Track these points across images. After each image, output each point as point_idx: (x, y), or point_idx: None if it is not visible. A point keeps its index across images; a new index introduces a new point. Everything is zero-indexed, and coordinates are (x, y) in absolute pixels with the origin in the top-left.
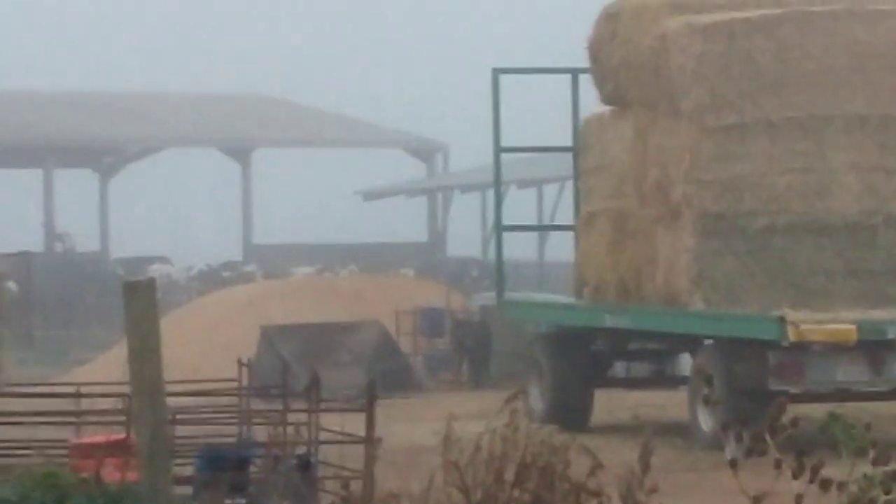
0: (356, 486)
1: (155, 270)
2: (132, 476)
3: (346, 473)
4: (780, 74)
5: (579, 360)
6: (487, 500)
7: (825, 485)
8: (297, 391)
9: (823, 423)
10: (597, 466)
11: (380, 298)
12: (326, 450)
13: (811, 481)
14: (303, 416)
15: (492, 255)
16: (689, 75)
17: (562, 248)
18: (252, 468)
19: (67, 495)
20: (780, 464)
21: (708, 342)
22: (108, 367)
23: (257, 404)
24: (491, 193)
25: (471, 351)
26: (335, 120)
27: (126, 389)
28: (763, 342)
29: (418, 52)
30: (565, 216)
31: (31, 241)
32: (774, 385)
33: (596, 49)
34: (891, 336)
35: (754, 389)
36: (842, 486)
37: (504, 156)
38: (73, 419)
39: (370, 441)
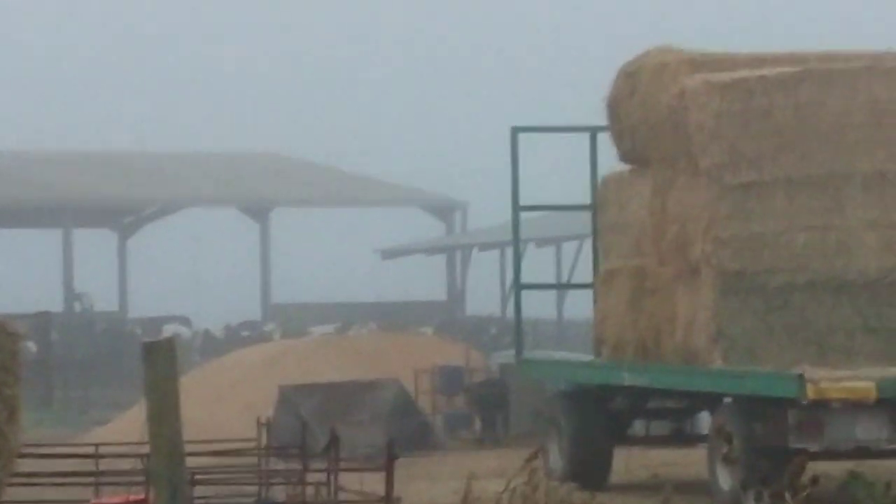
0: None
1: (172, 330)
2: None
3: None
4: (799, 132)
5: (598, 419)
6: None
7: None
8: (316, 451)
9: (844, 482)
10: None
11: (398, 357)
12: None
13: None
14: (322, 476)
15: (511, 313)
16: (708, 133)
17: (581, 306)
18: None
19: None
20: None
21: (727, 400)
22: (127, 426)
23: (276, 464)
24: (509, 251)
25: (490, 409)
26: (353, 179)
27: (145, 449)
28: (782, 400)
29: (437, 111)
30: (584, 274)
31: (49, 301)
32: (794, 443)
33: (614, 107)
34: None
35: (774, 447)
36: None
37: (523, 214)
38: (92, 480)
39: (389, 500)
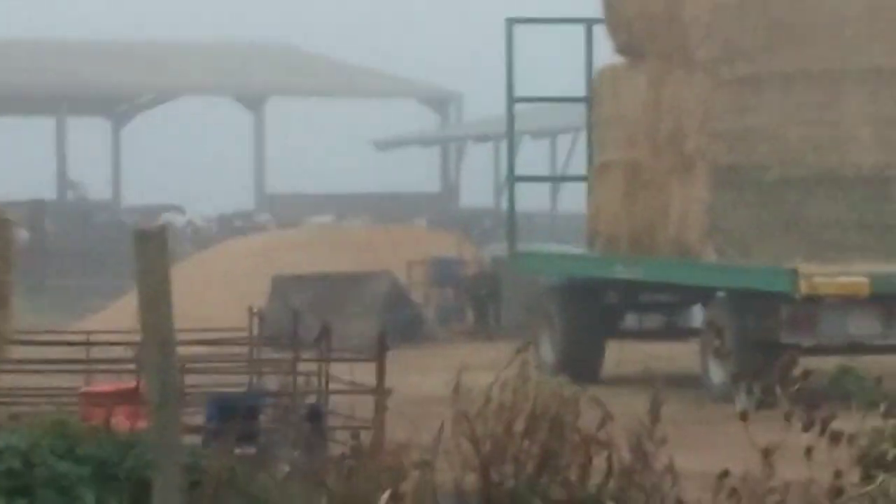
0: (366, 436)
1: (166, 219)
2: (142, 425)
3: (356, 423)
4: (796, 26)
5: (591, 312)
6: (497, 451)
7: (835, 437)
8: (308, 341)
9: (834, 376)
10: (607, 418)
11: (392, 249)
12: (336, 400)
13: (821, 434)
14: (313, 366)
15: (504, 205)
16: (704, 26)
17: (574, 199)
18: (262, 417)
19: (77, 443)
20: (790, 416)
21: (720, 294)
22: (120, 315)
23: (268, 354)
24: (504, 144)
25: (482, 302)
26: (349, 70)
27: (137, 338)
28: (775, 294)
29: (432, 2)
30: (578, 167)
31: (43, 189)
32: (786, 338)
33: None
34: None
35: (766, 342)
36: (852, 438)
37: (518, 106)
38: (83, 367)
39: (380, 391)
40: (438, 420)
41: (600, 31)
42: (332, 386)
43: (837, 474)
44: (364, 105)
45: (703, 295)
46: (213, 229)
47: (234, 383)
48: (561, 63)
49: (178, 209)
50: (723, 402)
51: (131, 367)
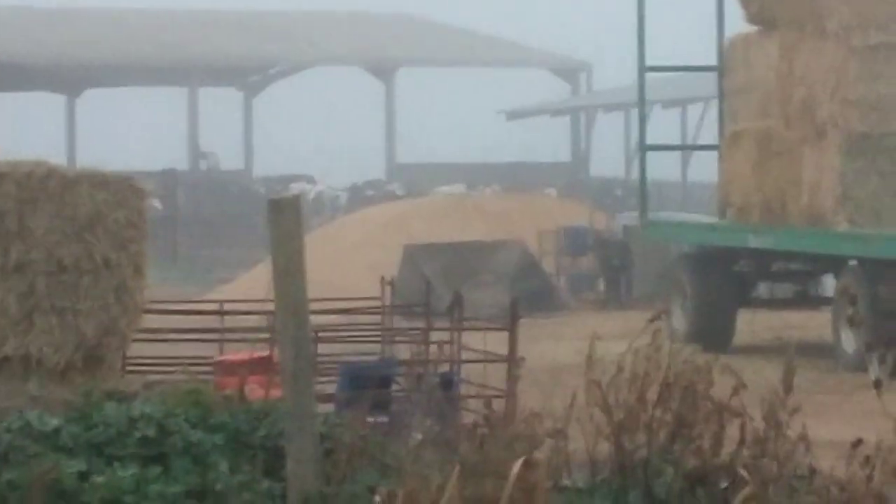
0: (498, 405)
1: (298, 188)
2: (275, 393)
3: (488, 392)
4: None
5: (722, 281)
6: (629, 420)
7: None
8: (440, 310)
9: None
10: (739, 387)
11: (523, 218)
12: (469, 369)
13: None
14: (445, 335)
15: (635, 174)
16: None
17: (706, 168)
18: (394, 386)
19: (211, 412)
20: None
21: (852, 262)
22: (252, 285)
23: (400, 323)
24: (635, 113)
25: (614, 271)
26: (478, 39)
27: (270, 307)
28: None
29: None
30: (709, 136)
31: (175, 159)
32: None
33: None
34: None
35: None
36: None
37: (648, 75)
38: (216, 336)
39: (512, 360)
40: (570, 389)
41: (732, 1)
42: (464, 355)
43: None
44: (494, 75)
45: (835, 263)
46: (344, 199)
47: (367, 352)
48: (692, 32)
49: (310, 179)
50: (856, 370)
51: (265, 336)
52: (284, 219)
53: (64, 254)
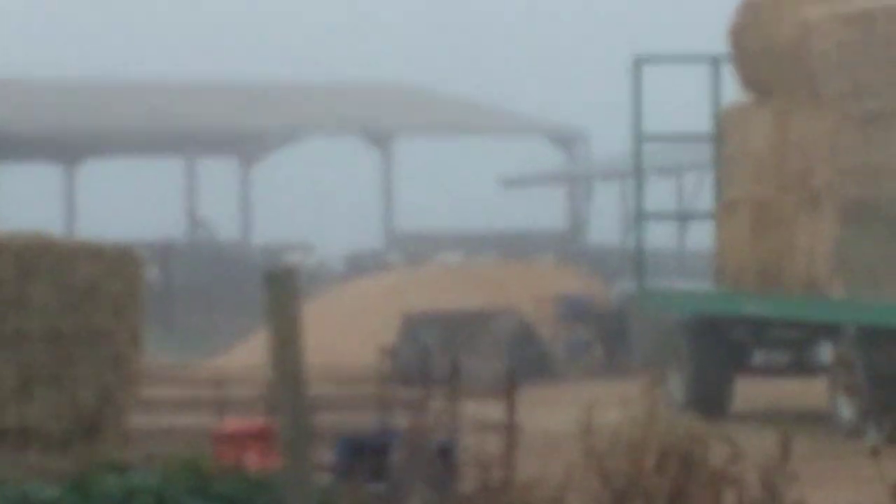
0: (496, 473)
1: (296, 258)
2: (274, 463)
3: (486, 460)
4: None
5: (719, 348)
6: (627, 488)
7: None
8: (438, 379)
9: None
10: (737, 454)
11: (520, 286)
12: (467, 437)
13: None
14: (443, 404)
15: (632, 243)
16: (831, 62)
17: (702, 236)
18: (392, 455)
19: (209, 482)
20: None
21: (848, 330)
22: (249, 354)
23: (398, 392)
24: (631, 181)
25: (610, 338)
26: (475, 108)
27: (268, 377)
28: None
29: (559, 40)
30: (706, 204)
31: (173, 229)
32: None
33: (737, 36)
34: None
35: (895, 377)
36: None
37: (645, 144)
38: (215, 406)
39: (510, 428)
40: (568, 456)
41: (727, 69)
42: (461, 423)
43: None
44: (491, 143)
45: (832, 331)
46: (342, 268)
47: (366, 421)
48: (687, 100)
49: (308, 248)
50: (853, 437)
51: (263, 406)
52: (281, 291)
53: (61, 324)
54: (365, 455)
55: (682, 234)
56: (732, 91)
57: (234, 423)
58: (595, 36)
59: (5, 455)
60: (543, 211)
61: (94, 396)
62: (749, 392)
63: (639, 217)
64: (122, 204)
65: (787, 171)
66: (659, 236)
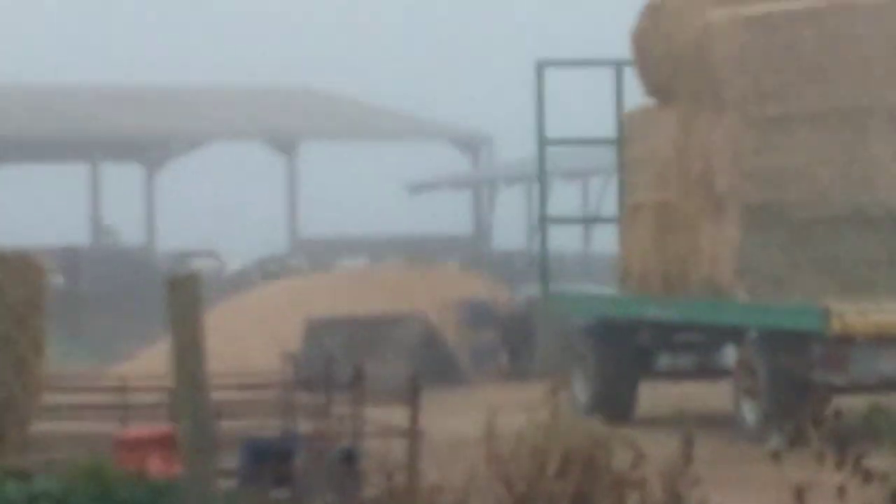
0: (400, 479)
1: (200, 264)
2: (176, 469)
3: (389, 466)
4: (824, 65)
5: (623, 352)
6: (530, 493)
7: (868, 476)
8: (342, 384)
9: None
10: (639, 458)
11: (425, 291)
12: (370, 442)
13: (854, 472)
14: (347, 409)
15: (537, 247)
16: (733, 67)
17: (606, 240)
18: (296, 461)
19: (112, 488)
20: (822, 455)
21: (752, 334)
22: (154, 360)
23: (302, 397)
24: (536, 186)
25: (515, 343)
26: (380, 113)
27: (171, 383)
28: (807, 334)
29: (463, 44)
30: (610, 208)
31: (77, 235)
32: (818, 377)
33: (640, 41)
34: None
35: (797, 381)
36: (884, 477)
37: (549, 148)
38: (118, 412)
39: (414, 433)
40: (472, 462)
41: (630, 73)
42: (365, 429)
43: None
44: (395, 148)
45: (735, 334)
46: (247, 273)
47: (269, 427)
48: (591, 104)
49: (212, 254)
50: (755, 441)
51: (165, 412)
52: (183, 295)
53: None
54: (268, 460)
55: (587, 238)
56: (636, 95)
57: (136, 429)
58: (500, 41)
59: None
60: (449, 215)
61: None
62: (653, 396)
63: (543, 221)
64: (25, 210)
65: (690, 175)
66: (564, 240)
